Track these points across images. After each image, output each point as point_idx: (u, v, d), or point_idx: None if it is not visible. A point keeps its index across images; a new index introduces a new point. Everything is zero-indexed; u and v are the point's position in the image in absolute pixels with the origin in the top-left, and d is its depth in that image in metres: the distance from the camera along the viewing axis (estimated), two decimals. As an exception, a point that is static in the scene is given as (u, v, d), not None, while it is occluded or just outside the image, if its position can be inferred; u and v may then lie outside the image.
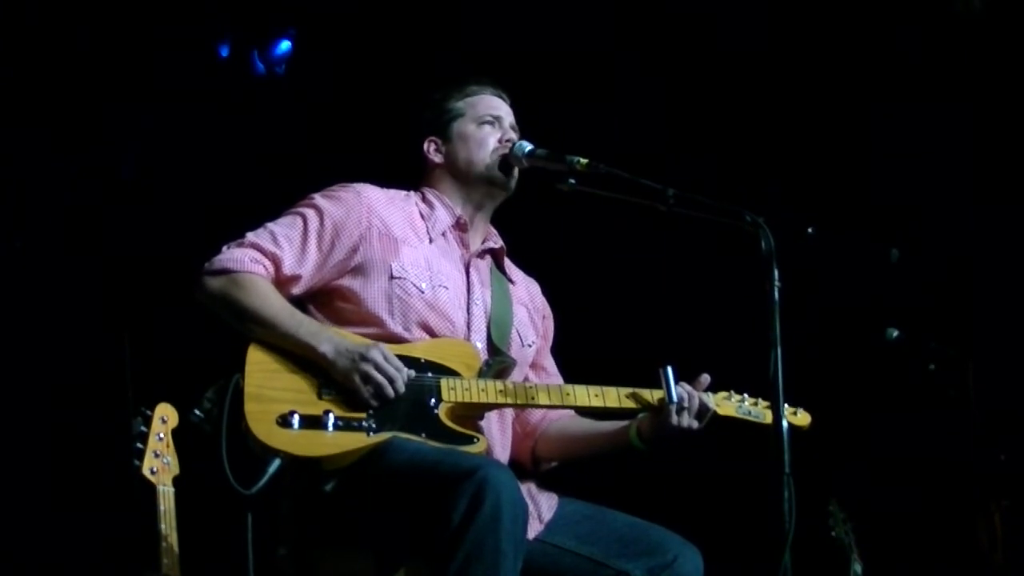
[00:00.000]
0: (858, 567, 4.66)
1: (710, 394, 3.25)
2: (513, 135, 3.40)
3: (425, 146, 3.43)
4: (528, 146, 3.34)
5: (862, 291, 5.36)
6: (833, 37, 5.38)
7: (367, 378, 2.98)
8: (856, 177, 5.50)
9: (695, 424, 3.19)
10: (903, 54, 5.36)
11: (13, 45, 4.89)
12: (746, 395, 3.35)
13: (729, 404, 3.32)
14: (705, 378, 3.24)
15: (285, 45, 5.49)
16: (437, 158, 3.41)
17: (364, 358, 2.99)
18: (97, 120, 5.04)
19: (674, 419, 3.15)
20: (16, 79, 4.89)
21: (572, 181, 3.21)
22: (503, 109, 3.44)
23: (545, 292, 3.61)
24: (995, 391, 4.92)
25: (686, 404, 3.17)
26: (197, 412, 3.00)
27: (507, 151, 3.34)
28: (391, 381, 2.99)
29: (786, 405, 3.26)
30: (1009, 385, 5.12)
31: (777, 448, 2.74)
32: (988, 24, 5.24)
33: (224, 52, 5.39)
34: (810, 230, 3.27)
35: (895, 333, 4.79)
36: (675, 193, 3.06)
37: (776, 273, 2.83)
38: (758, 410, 3.34)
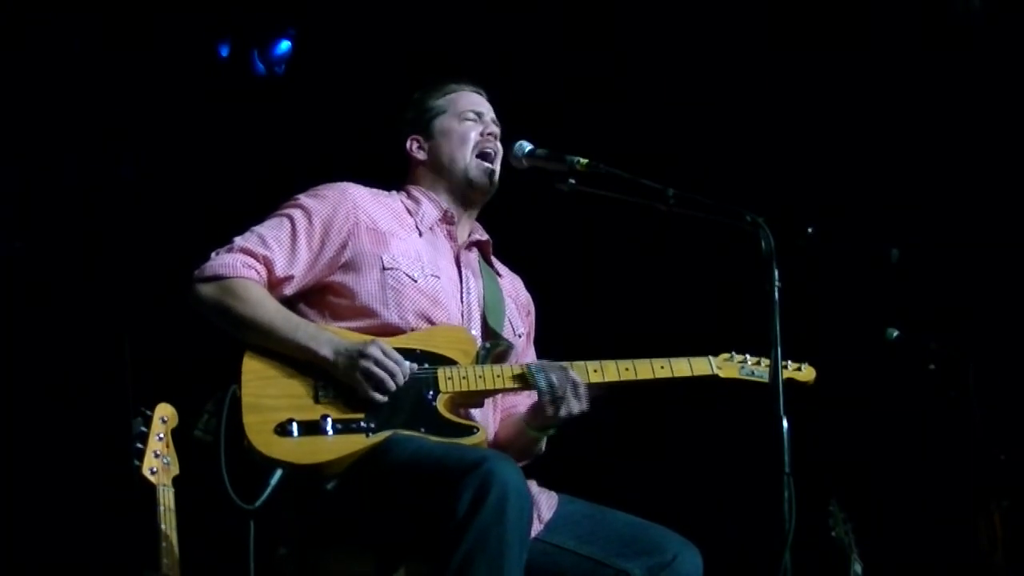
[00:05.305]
0: (858, 567, 4.65)
1: (569, 364, 3.12)
2: (495, 128, 3.45)
3: (408, 144, 3.46)
4: (528, 146, 3.34)
5: (862, 291, 5.36)
6: (833, 37, 5.38)
7: (368, 374, 2.98)
8: (856, 177, 5.50)
9: (577, 407, 3.10)
10: (903, 52, 5.36)
11: (13, 45, 4.89)
12: (748, 355, 3.28)
13: (732, 366, 3.26)
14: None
15: (285, 45, 5.50)
16: (420, 155, 3.44)
17: (363, 355, 2.99)
18: (97, 120, 5.04)
19: (550, 410, 3.10)
20: (16, 79, 4.89)
21: (572, 181, 3.20)
22: (484, 105, 3.48)
23: (536, 287, 3.62)
24: (995, 391, 4.92)
25: (559, 393, 3.08)
26: (200, 428, 2.99)
27: (488, 150, 3.38)
28: (392, 375, 2.99)
29: (789, 361, 3.28)
30: (1009, 385, 5.12)
31: (777, 448, 2.74)
32: (988, 24, 5.24)
33: (224, 52, 5.40)
34: (810, 230, 3.26)
35: (895, 333, 4.78)
36: (675, 193, 3.05)
37: (776, 273, 2.83)
38: (761, 369, 3.24)
